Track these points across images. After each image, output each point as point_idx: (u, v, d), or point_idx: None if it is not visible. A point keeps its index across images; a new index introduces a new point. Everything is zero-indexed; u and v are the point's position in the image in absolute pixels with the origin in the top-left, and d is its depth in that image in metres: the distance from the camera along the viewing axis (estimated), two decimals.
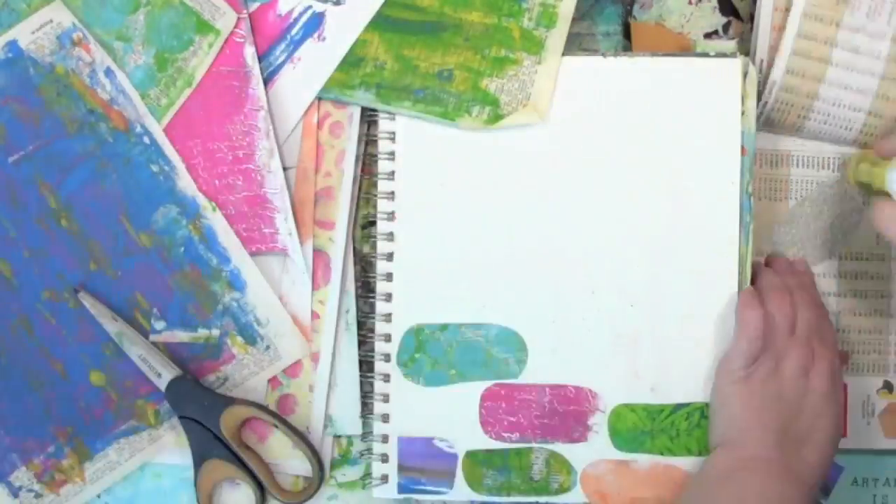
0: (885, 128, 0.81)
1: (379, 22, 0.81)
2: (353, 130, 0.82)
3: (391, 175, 0.80)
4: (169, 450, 0.83)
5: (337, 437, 0.84)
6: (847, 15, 0.80)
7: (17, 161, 0.80)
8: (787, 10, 0.79)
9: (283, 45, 0.81)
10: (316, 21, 0.81)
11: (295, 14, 0.82)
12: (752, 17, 0.83)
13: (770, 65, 0.80)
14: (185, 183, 0.81)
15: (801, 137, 0.84)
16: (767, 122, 0.82)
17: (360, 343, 0.83)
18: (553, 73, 0.79)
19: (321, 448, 0.83)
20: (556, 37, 0.79)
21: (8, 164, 0.80)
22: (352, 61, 0.81)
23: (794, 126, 0.82)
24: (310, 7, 0.82)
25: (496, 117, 0.78)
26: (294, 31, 0.81)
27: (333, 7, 0.81)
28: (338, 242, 0.82)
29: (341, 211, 0.82)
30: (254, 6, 0.82)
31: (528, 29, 0.79)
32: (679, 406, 0.80)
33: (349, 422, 0.83)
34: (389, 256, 0.81)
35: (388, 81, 0.80)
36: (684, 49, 0.84)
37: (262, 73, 0.81)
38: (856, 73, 0.80)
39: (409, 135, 0.80)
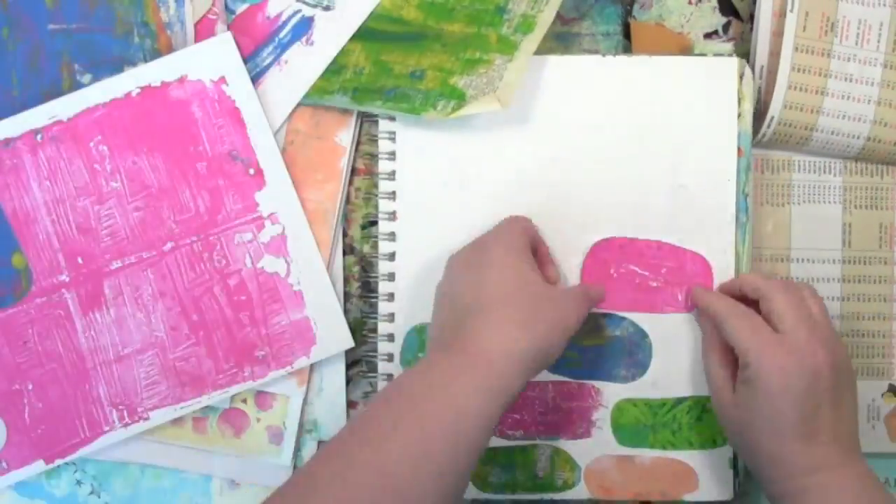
0: (885, 151, 0.82)
1: (364, 34, 0.81)
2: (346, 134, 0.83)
3: (391, 175, 0.81)
4: (169, 452, 0.83)
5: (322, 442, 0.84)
6: (836, 44, 0.80)
7: (56, 31, 0.81)
8: (786, 16, 0.80)
9: (270, 48, 0.82)
10: (305, 25, 0.82)
11: (284, 17, 0.82)
12: (751, 18, 0.83)
13: (770, 70, 0.81)
14: None
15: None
16: (766, 146, 0.84)
17: (362, 343, 0.83)
18: (522, 68, 0.78)
19: (301, 450, 0.84)
20: (532, 40, 0.79)
21: (46, 30, 0.81)
22: (334, 69, 0.81)
23: (793, 150, 0.84)
24: (299, 11, 0.82)
25: (457, 108, 0.78)
26: (282, 34, 0.82)
27: (323, 12, 0.82)
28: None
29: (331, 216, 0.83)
30: (243, 7, 0.82)
31: (505, 35, 0.80)
32: (680, 400, 0.80)
33: (335, 428, 0.83)
34: (391, 256, 0.81)
35: (364, 85, 0.80)
36: (684, 49, 0.84)
37: (248, 74, 0.81)
38: (852, 102, 0.81)
39: (410, 134, 0.81)
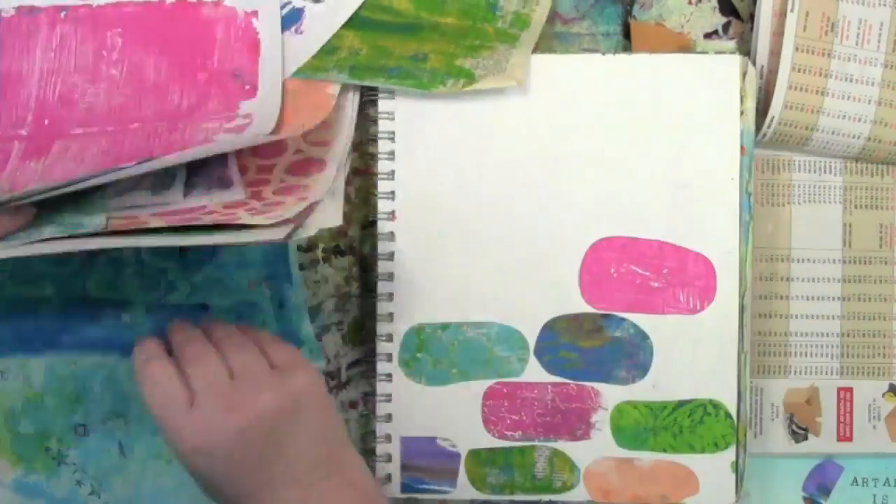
0: (885, 151, 0.82)
1: (356, 23, 0.81)
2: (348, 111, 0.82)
3: (391, 175, 0.81)
4: None
5: None
6: (837, 44, 0.80)
7: None
8: (786, 16, 0.80)
9: None
10: (295, 15, 0.82)
11: None
12: (752, 17, 0.83)
13: (771, 70, 0.81)
14: None
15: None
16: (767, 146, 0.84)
17: (362, 343, 0.83)
18: (528, 52, 0.78)
19: None
20: (530, 34, 0.79)
21: None
22: (326, 49, 0.81)
23: (793, 150, 0.84)
24: (289, 2, 0.82)
25: (468, 84, 0.78)
26: None
27: (313, 4, 0.82)
28: None
29: None
30: None
31: (502, 28, 0.80)
32: (682, 403, 0.80)
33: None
34: (390, 256, 0.80)
35: (362, 63, 0.80)
36: (684, 49, 0.84)
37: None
38: (852, 102, 0.81)
39: (409, 134, 0.81)
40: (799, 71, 0.80)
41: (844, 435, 0.85)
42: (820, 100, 0.80)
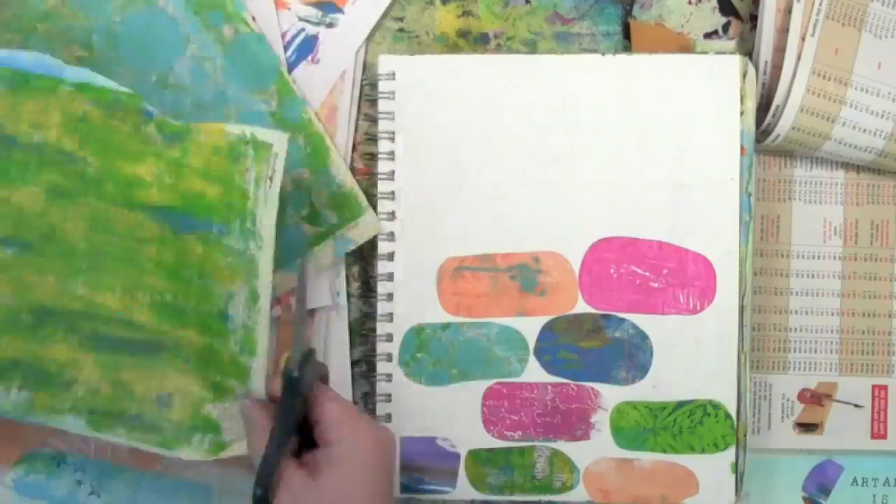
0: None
1: (92, 340, 0.73)
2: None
3: (391, 175, 0.81)
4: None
5: None
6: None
7: None
8: (789, 11, 0.79)
9: None
10: (309, 44, 0.82)
11: (288, 37, 0.82)
12: (752, 17, 0.83)
13: (774, 66, 0.81)
14: None
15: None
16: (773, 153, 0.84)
17: (362, 343, 0.83)
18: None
19: None
20: (258, 362, 0.75)
21: None
22: (60, 383, 0.73)
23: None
24: (303, 30, 0.82)
25: (218, 446, 0.75)
26: (288, 54, 0.82)
27: (326, 30, 0.82)
28: None
29: None
30: None
31: (234, 354, 0.75)
32: (681, 403, 0.80)
33: None
34: (390, 256, 0.81)
35: (101, 407, 0.74)
36: (684, 49, 0.84)
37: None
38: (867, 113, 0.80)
39: (410, 134, 0.80)
40: (818, 76, 0.79)
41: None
42: (837, 107, 0.80)
